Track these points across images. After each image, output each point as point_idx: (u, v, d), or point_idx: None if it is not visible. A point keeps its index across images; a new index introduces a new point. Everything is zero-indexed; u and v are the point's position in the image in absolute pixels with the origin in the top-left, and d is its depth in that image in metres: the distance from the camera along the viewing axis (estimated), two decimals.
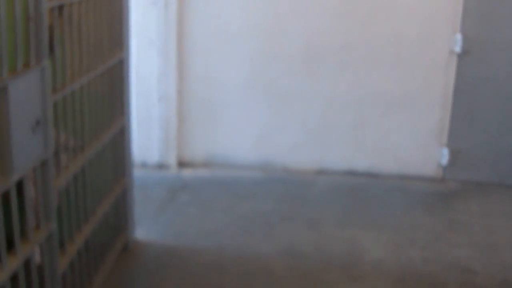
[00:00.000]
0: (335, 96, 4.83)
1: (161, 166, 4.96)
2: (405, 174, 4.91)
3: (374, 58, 4.74)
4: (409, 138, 4.86)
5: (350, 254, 3.70)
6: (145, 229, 3.90)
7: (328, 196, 4.57)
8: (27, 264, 2.22)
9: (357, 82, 4.80)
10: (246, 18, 4.75)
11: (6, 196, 2.02)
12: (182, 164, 5.03)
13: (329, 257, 3.66)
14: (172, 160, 4.96)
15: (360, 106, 4.83)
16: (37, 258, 2.35)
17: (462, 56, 4.66)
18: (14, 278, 2.11)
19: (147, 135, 4.89)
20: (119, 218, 3.52)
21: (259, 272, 3.47)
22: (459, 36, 4.62)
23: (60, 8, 2.48)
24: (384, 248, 3.78)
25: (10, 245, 2.09)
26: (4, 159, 1.99)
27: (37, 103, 2.19)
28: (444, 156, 4.86)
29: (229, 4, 4.74)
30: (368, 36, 4.71)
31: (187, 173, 4.92)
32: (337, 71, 4.79)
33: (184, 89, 4.90)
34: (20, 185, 2.13)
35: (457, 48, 4.65)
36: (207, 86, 4.90)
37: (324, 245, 3.80)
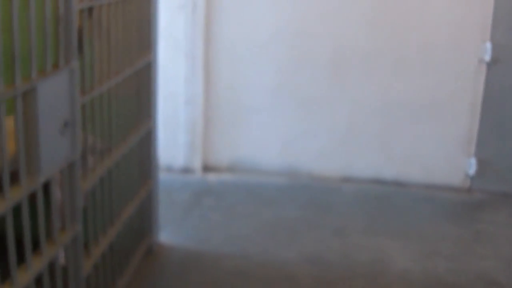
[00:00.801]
0: (362, 103, 4.80)
1: (186, 170, 4.95)
2: (432, 184, 4.87)
3: (402, 65, 4.71)
4: (437, 147, 4.82)
5: (376, 263, 3.66)
6: (169, 233, 3.89)
7: (354, 204, 4.53)
8: (51, 265, 2.22)
9: (384, 90, 4.76)
10: (274, 23, 4.74)
11: (32, 197, 2.02)
12: (207, 168, 5.03)
13: (354, 265, 3.63)
14: (197, 164, 4.95)
15: (387, 114, 4.80)
16: (61, 260, 2.35)
17: (492, 64, 4.61)
18: (38, 280, 2.11)
19: (173, 139, 4.90)
20: (144, 221, 3.52)
21: (283, 279, 3.45)
22: (488, 45, 4.57)
23: (90, 10, 2.48)
24: (410, 257, 3.74)
25: (36, 246, 2.09)
26: (31, 160, 1.99)
27: (65, 104, 2.19)
28: (471, 166, 4.80)
29: (257, 9, 4.73)
30: (396, 43, 4.68)
31: (212, 177, 4.91)
32: (364, 78, 4.76)
33: (210, 93, 4.90)
34: (46, 187, 2.13)
35: (487, 57, 4.60)
36: (234, 90, 4.89)
37: (349, 253, 3.77)
